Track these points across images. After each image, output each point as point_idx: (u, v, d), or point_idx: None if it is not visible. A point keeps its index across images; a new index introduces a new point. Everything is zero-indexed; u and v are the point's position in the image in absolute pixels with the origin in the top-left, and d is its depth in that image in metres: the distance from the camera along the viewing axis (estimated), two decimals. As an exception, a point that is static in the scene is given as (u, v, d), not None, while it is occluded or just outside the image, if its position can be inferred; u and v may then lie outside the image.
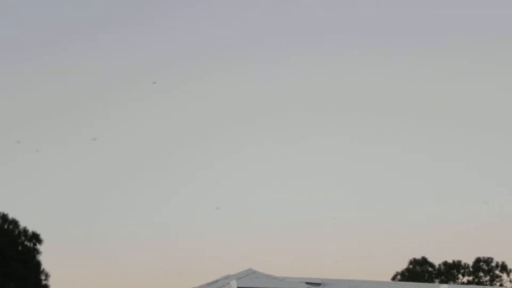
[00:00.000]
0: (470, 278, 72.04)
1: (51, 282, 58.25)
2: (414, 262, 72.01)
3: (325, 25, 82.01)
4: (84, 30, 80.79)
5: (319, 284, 28.10)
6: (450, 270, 71.95)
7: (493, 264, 72.13)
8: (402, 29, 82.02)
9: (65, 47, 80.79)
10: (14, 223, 58.46)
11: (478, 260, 72.34)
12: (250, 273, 26.32)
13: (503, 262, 71.95)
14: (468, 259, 72.50)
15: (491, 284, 69.97)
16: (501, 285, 70.41)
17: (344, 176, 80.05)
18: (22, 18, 78.59)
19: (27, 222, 59.77)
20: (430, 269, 72.20)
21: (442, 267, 72.26)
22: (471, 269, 72.38)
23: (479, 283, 70.46)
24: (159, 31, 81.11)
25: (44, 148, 79.56)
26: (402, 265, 72.06)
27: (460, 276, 72.33)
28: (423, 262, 72.04)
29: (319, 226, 78.61)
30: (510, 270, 71.68)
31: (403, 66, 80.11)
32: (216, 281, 26.42)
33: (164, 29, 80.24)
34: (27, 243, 58.38)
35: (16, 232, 58.23)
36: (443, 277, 71.18)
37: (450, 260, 72.17)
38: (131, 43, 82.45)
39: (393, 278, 70.65)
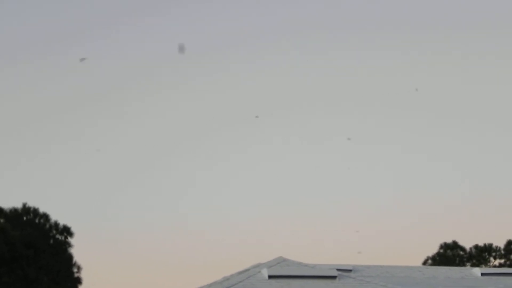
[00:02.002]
0: (502, 261, 71.67)
1: (83, 274, 58.77)
2: (445, 246, 71.78)
3: (325, 25, 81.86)
4: (89, 31, 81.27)
5: (350, 271, 28.11)
6: (482, 254, 71.65)
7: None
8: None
9: (82, 43, 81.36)
10: (45, 217, 58.97)
11: (509, 243, 71.94)
12: (281, 261, 26.38)
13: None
14: (499, 242, 72.19)
15: (523, 267, 69.59)
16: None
17: (375, 161, 79.89)
18: (22, 20, 79.12)
19: (58, 215, 60.30)
20: (461, 253, 71.93)
21: (473, 250, 71.95)
22: (502, 251, 72.01)
23: (511, 265, 70.08)
24: (164, 30, 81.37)
25: (70, 142, 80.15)
26: (433, 249, 71.89)
27: (491, 259, 71.99)
28: (454, 246, 71.79)
29: (350, 212, 78.56)
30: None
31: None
32: (247, 270, 26.50)
33: (169, 28, 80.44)
34: (59, 237, 58.87)
35: (48, 226, 58.73)
36: (474, 261, 70.88)
37: (481, 244, 71.91)
38: (138, 42, 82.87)
39: (424, 263, 70.45)
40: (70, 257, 58.43)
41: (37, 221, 58.65)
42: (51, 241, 58.12)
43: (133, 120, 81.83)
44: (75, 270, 58.43)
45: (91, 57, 78.07)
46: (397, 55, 79.38)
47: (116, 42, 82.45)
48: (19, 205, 58.51)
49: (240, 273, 26.58)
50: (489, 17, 79.95)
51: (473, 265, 67.70)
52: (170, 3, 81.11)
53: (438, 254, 71.36)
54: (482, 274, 30.27)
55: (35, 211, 58.91)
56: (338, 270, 26.11)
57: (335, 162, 78.79)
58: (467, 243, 72.07)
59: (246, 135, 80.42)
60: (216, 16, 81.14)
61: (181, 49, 46.80)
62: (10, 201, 63.38)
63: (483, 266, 68.43)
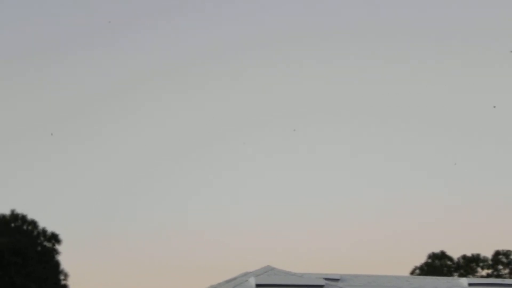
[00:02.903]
0: (490, 271, 71.77)
1: (70, 282, 58.57)
2: (433, 256, 71.87)
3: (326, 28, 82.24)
4: (97, 36, 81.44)
5: (337, 280, 28.12)
6: (469, 264, 71.76)
7: (512, 256, 71.91)
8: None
9: (86, 48, 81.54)
10: (33, 224, 58.77)
11: (497, 253, 72.08)
12: (269, 270, 26.37)
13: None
14: (487, 252, 72.34)
15: (510, 277, 69.70)
16: (520, 277, 70.19)
17: (363, 170, 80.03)
18: (23, 23, 79.25)
19: (46, 222, 60.14)
20: (449, 263, 72.02)
21: (461, 260, 72.06)
22: (490, 262, 72.13)
23: (498, 276, 70.19)
24: (173, 36, 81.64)
25: (60, 150, 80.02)
26: (421, 259, 71.98)
27: (479, 269, 72.08)
28: (442, 256, 71.89)
29: (338, 222, 78.67)
30: (529, 262, 71.45)
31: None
32: (234, 278, 26.48)
33: (177, 33, 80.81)
34: (47, 244, 58.67)
35: (36, 233, 58.53)
36: (462, 271, 70.96)
37: (469, 254, 72.01)
38: (147, 47, 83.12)
39: (412, 273, 70.51)
40: (57, 264, 58.23)
41: (25, 228, 58.44)
42: (39, 248, 57.91)
43: (124, 127, 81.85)
44: (62, 277, 58.24)
45: (97, 61, 78.44)
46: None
47: (123, 47, 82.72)
48: (7, 212, 58.35)
49: (227, 281, 26.56)
50: (472, 27, 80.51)
51: (460, 275, 67.81)
52: (177, 8, 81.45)
53: (426, 264, 71.44)
54: (470, 284, 30.33)
55: (23, 218, 58.70)
56: (325, 279, 26.13)
57: (325, 171, 78.95)
58: (455, 253, 72.25)
59: (236, 148, 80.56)
60: (224, 22, 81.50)
61: None
62: (-2, 208, 63.24)
63: (471, 276, 68.50)
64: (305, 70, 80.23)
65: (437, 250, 71.79)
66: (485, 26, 78.77)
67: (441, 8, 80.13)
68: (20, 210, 58.83)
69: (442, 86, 79.88)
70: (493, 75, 78.15)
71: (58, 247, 58.68)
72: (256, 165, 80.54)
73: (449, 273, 69.53)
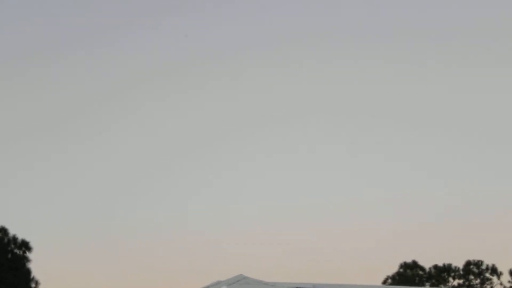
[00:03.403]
0: (461, 281, 72.13)
1: (41, 290, 58.12)
2: (404, 265, 72.09)
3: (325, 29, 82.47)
4: (98, 35, 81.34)
5: (309, 289, 28.08)
6: (441, 274, 72.07)
7: (483, 267, 72.28)
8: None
9: (85, 47, 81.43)
10: (4, 231, 58.27)
11: (468, 263, 72.47)
12: (241, 278, 26.30)
13: (493, 265, 72.10)
14: (459, 262, 72.70)
15: (481, 287, 70.10)
16: None
17: (335, 179, 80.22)
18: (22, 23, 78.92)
19: (17, 230, 59.65)
20: (420, 272, 72.28)
21: (433, 270, 72.35)
22: (461, 272, 72.49)
23: (469, 286, 70.57)
24: (174, 34, 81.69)
25: (30, 155, 79.56)
26: (393, 269, 72.18)
27: (450, 279, 72.42)
28: (414, 265, 72.13)
29: (311, 230, 78.71)
30: (501, 272, 71.85)
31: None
32: (206, 287, 26.39)
33: (178, 32, 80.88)
34: (17, 251, 58.18)
35: (6, 240, 58.03)
36: (433, 281, 71.27)
37: (440, 263, 72.31)
38: (147, 46, 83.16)
39: (384, 282, 70.68)
40: (28, 272, 57.76)
41: (-5, 235, 57.97)
42: (9, 256, 57.42)
43: (124, 127, 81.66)
44: (33, 285, 57.77)
45: (97, 61, 78.40)
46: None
47: (123, 47, 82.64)
48: (-24, 219, 57.86)
49: (199, 290, 26.47)
50: (472, 27, 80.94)
51: (432, 285, 68.11)
52: (177, 8, 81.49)
53: (398, 273, 71.65)
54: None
55: (-7, 225, 58.24)
56: (297, 288, 26.09)
57: (300, 181, 79.02)
58: (427, 263, 72.51)
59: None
60: (224, 23, 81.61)
61: None
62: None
63: (442, 286, 68.84)
64: (305, 70, 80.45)
65: (409, 259, 72.05)
66: (485, 26, 79.28)
67: (441, 8, 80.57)
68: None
69: (442, 86, 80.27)
70: (493, 75, 78.64)
71: (29, 254, 58.24)
72: (230, 174, 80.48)
73: (421, 283, 69.79)
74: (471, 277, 72.18)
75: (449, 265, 72.41)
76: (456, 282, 72.16)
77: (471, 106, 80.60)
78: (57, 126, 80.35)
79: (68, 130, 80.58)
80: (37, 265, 58.60)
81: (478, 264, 72.21)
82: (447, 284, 71.57)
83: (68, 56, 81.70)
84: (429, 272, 72.30)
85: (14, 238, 58.21)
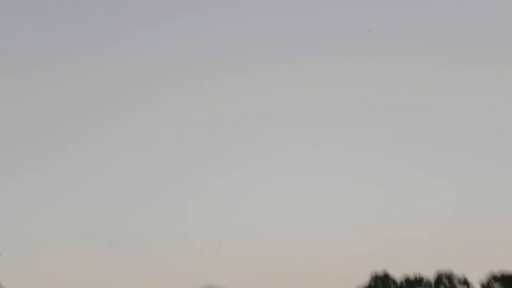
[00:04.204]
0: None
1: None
2: (376, 277, 72.31)
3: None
4: (100, 37, 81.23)
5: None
6: (412, 285, 72.31)
7: (454, 278, 72.59)
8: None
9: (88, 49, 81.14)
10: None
11: (439, 275, 72.75)
12: (209, 287, 26.50)
13: (465, 279, 72.45)
14: (429, 273, 73.18)
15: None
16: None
17: (310, 189, 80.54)
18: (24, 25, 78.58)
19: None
20: (392, 285, 72.50)
21: (404, 283, 72.58)
22: (432, 284, 72.73)
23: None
24: (177, 37, 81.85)
25: (30, 155, 79.12)
26: (364, 280, 72.54)
27: (422, 292, 72.80)
28: (385, 277, 72.35)
29: (282, 240, 78.94)
30: (470, 283, 72.26)
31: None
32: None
33: (181, 35, 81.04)
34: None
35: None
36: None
37: (411, 274, 72.63)
38: (150, 49, 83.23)
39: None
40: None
41: None
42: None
43: (123, 128, 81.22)
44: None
45: (97, 61, 78.13)
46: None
47: (123, 48, 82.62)
48: None
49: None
50: (472, 27, 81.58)
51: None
52: (177, 8, 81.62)
53: (369, 286, 71.87)
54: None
55: None
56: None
57: (266, 190, 79.09)
58: (398, 274, 72.89)
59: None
60: (224, 23, 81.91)
61: None
62: None
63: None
64: (305, 70, 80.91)
65: (380, 270, 72.29)
66: (486, 26, 79.99)
67: (441, 8, 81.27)
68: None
69: (443, 86, 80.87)
70: (493, 76, 79.28)
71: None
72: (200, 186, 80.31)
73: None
74: (443, 289, 72.65)
75: (421, 279, 72.67)
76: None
77: (471, 106, 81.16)
78: (57, 126, 79.91)
79: (68, 130, 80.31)
80: (4, 273, 58.18)
81: (448, 275, 72.51)
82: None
83: (69, 57, 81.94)
84: (401, 285, 72.56)
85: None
